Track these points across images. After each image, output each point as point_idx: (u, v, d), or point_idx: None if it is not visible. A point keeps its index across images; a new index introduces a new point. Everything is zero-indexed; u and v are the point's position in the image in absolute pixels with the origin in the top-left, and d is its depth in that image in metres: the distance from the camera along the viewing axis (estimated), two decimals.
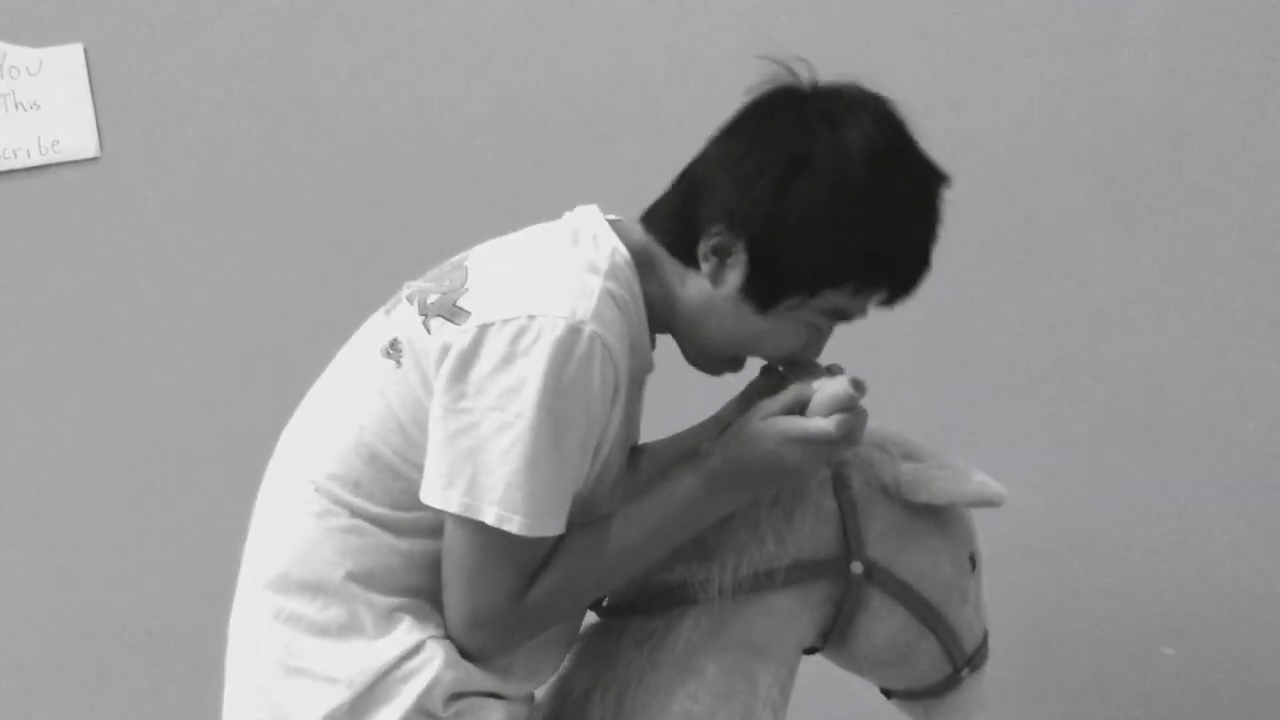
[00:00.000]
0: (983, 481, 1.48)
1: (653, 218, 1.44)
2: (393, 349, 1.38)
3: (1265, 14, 2.18)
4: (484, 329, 1.29)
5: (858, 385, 1.34)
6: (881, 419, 1.56)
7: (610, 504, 1.44)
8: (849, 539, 1.48)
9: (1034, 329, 2.24)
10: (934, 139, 2.23)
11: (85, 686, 2.32)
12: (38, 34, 2.25)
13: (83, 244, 2.29)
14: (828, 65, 1.39)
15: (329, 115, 2.25)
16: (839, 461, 1.50)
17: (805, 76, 1.40)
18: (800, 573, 1.47)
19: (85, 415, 2.30)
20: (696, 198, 1.38)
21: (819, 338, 1.43)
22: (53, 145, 2.26)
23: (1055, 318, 2.24)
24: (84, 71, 2.25)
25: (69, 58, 2.25)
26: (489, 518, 1.30)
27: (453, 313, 1.33)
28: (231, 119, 2.26)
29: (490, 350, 1.29)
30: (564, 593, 1.38)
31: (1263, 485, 2.25)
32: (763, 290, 1.35)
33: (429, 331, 1.34)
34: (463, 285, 1.36)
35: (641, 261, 1.40)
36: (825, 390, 1.35)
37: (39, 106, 2.25)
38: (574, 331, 1.28)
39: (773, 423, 1.36)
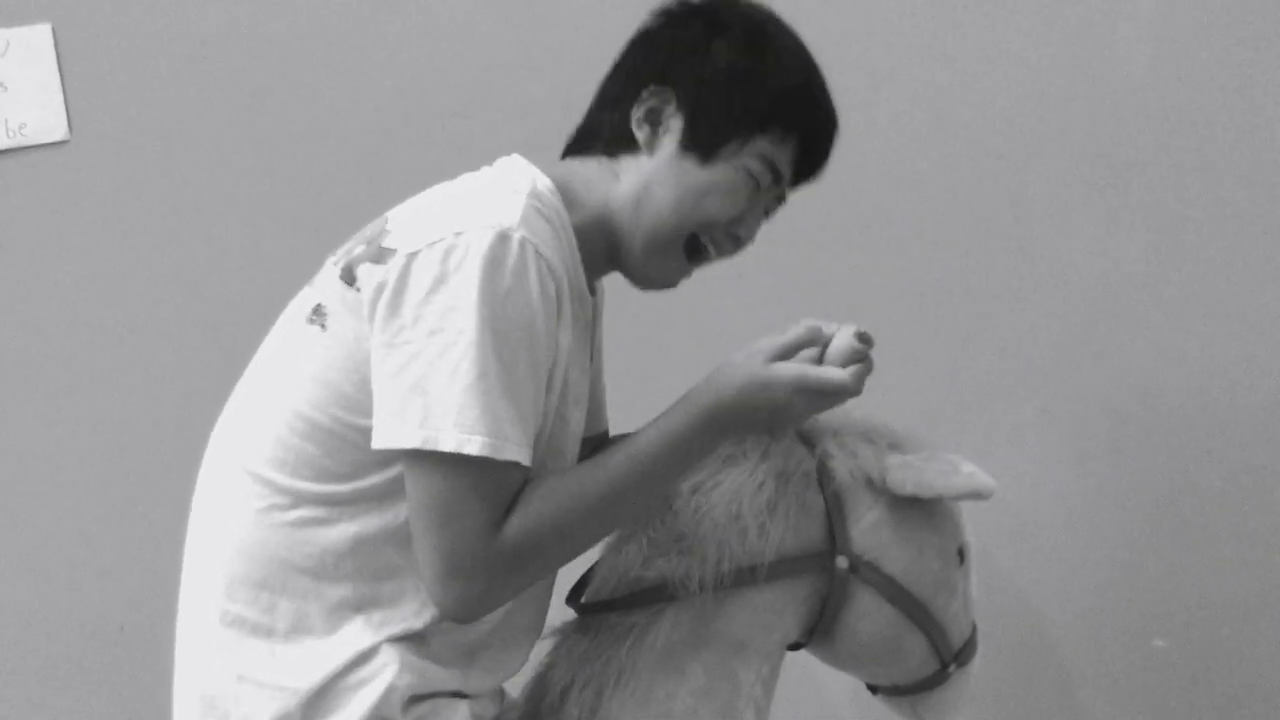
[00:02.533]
0: (971, 474, 1.46)
1: (574, 141, 1.49)
2: (316, 314, 1.36)
3: (1258, 7, 2.17)
4: (412, 257, 1.28)
5: (864, 338, 1.32)
6: (872, 412, 1.54)
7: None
8: (834, 533, 1.46)
9: (1026, 322, 2.23)
10: (926, 132, 2.22)
11: (57, 682, 2.29)
12: (4, 14, 2.20)
13: (52, 229, 2.24)
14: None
15: (303, 97, 2.22)
16: (823, 453, 1.48)
17: None
18: (784, 567, 1.45)
19: (55, 404, 2.26)
20: (615, 89, 1.45)
21: (756, 196, 1.42)
22: (20, 128, 2.22)
23: (1048, 312, 2.22)
24: (52, 52, 2.21)
25: (37, 38, 2.20)
26: (448, 444, 1.25)
27: (379, 255, 1.31)
28: (204, 101, 2.22)
29: (421, 275, 1.26)
30: (544, 535, 1.30)
31: (1254, 477, 2.23)
32: (701, 140, 1.39)
33: (357, 281, 1.31)
34: (384, 230, 1.35)
35: (565, 191, 1.40)
36: (840, 342, 1.33)
37: (6, 88, 2.22)
38: (503, 238, 1.26)
39: (786, 368, 1.31)
